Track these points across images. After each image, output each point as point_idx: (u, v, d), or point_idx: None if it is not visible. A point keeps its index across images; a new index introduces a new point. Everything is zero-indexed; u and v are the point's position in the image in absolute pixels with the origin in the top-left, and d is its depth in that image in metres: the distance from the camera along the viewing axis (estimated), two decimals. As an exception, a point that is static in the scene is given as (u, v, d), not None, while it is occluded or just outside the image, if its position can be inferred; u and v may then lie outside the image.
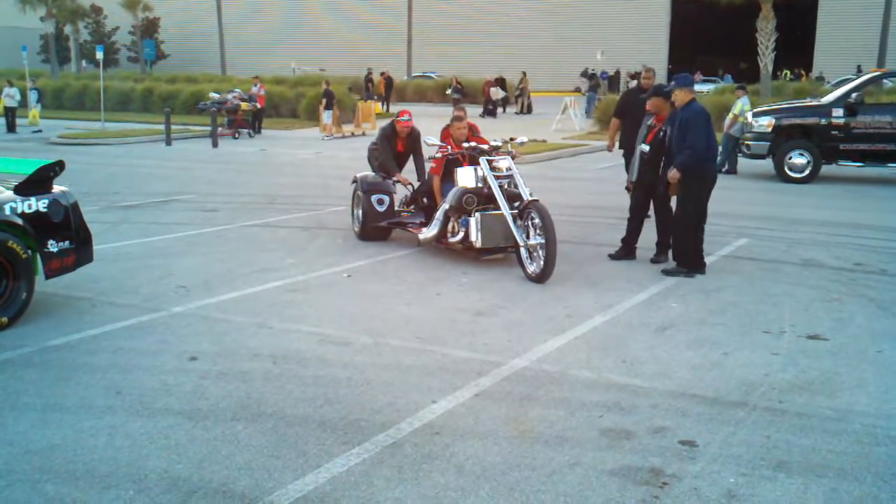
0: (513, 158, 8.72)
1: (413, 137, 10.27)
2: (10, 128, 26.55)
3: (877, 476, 4.03)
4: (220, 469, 4.01)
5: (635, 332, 6.31)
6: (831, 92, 19.16)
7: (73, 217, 6.77)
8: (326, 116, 26.02)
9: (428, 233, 8.96)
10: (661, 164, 8.42)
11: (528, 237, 7.93)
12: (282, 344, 5.92)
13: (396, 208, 9.94)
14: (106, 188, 14.29)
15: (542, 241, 7.72)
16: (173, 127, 24.59)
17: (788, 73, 52.80)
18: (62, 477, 3.92)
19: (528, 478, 3.96)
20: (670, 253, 8.55)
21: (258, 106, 27.31)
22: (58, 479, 3.90)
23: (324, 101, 26.16)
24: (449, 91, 38.86)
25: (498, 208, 8.20)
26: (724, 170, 16.20)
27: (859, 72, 26.26)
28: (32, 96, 27.95)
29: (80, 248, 6.83)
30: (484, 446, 4.29)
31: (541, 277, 7.73)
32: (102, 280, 7.68)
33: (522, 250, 7.96)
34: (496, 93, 36.76)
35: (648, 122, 8.79)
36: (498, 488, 3.86)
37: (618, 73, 56.85)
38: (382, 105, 36.53)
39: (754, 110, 17.27)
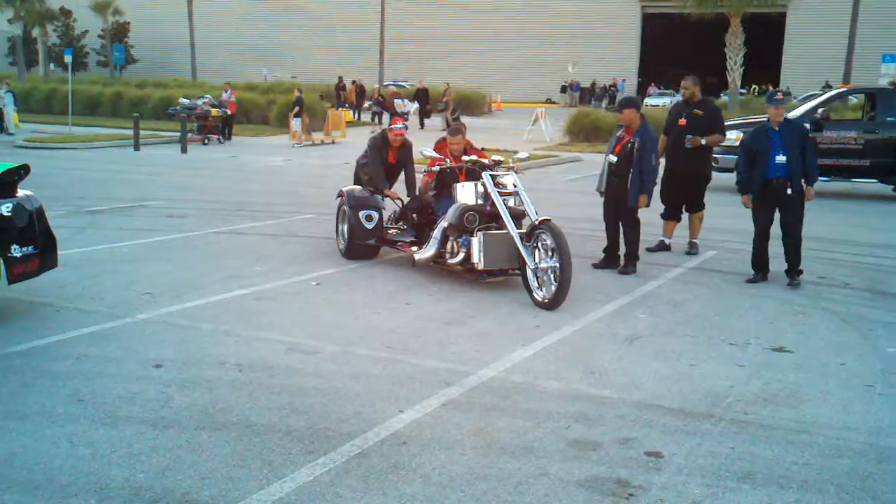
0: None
1: (406, 148, 9.70)
2: None
3: (839, 487, 4.07)
4: (184, 478, 3.96)
5: (603, 343, 6.33)
6: (798, 107, 19.42)
7: (38, 221, 6.67)
8: (296, 124, 25.94)
9: (424, 253, 8.34)
10: (629, 176, 8.51)
11: (536, 259, 7.47)
12: (248, 352, 5.87)
13: (385, 225, 9.39)
14: (72, 193, 14.12)
15: (556, 264, 7.19)
16: (142, 132, 24.36)
17: (756, 87, 53.45)
18: (21, 486, 3.86)
19: (495, 488, 3.95)
20: (637, 264, 8.68)
21: (228, 112, 27.17)
22: (16, 489, 3.83)
23: (295, 108, 26.09)
24: (368, 104, 35.07)
25: (501, 227, 7.78)
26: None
27: (828, 87, 26.61)
28: (7, 99, 27.58)
29: (45, 253, 6.73)
30: (451, 456, 4.28)
31: (552, 304, 7.18)
32: (67, 286, 7.59)
33: (530, 273, 7.44)
34: (401, 104, 33.31)
35: (617, 134, 8.90)
36: (464, 499, 3.85)
37: (593, 85, 57.31)
38: (354, 113, 36.46)
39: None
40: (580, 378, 5.54)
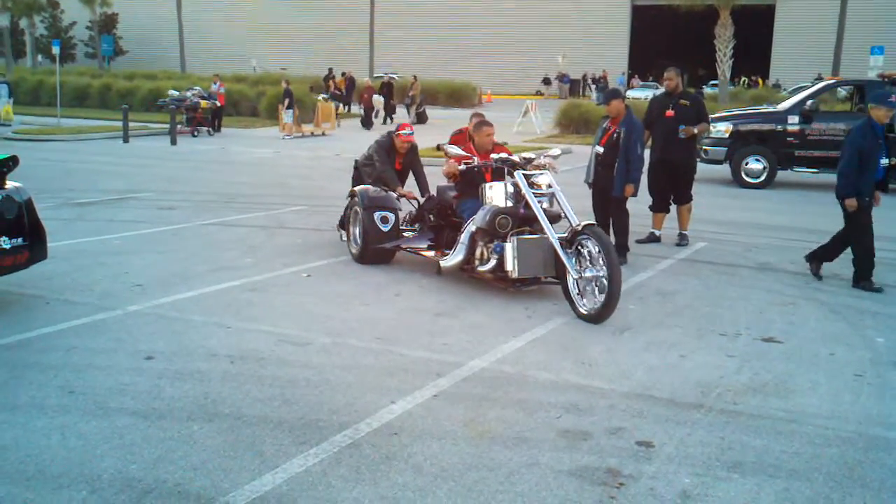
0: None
1: (413, 152, 9.29)
2: None
3: (828, 476, 4.10)
4: (176, 469, 3.96)
5: (594, 334, 6.35)
6: (787, 99, 19.48)
7: (27, 213, 6.65)
8: (287, 116, 25.88)
9: (451, 259, 7.63)
10: (615, 166, 8.56)
11: (579, 268, 6.82)
12: (239, 344, 5.87)
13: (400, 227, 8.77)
14: (61, 185, 14.06)
15: (603, 273, 6.52)
16: (131, 124, 24.27)
17: (746, 79, 53.57)
18: (12, 478, 3.85)
19: (486, 478, 3.97)
20: (627, 256, 8.71)
21: (218, 104, 27.07)
22: (8, 481, 3.82)
23: (286, 100, 26.04)
24: (321, 97, 30.27)
25: (535, 232, 7.22)
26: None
27: (819, 80, 26.69)
28: (3, 90, 27.40)
29: (34, 244, 6.71)
30: (442, 447, 4.29)
31: (600, 316, 6.54)
32: (57, 277, 7.56)
33: (572, 283, 6.82)
34: (378, 101, 32.00)
35: (603, 126, 8.94)
36: (456, 489, 3.86)
37: (584, 77, 57.36)
38: (344, 106, 36.37)
39: (712, 116, 17.48)
40: (571, 369, 5.56)
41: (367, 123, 30.16)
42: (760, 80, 54.48)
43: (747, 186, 16.10)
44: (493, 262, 7.24)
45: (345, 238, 9.10)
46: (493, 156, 7.86)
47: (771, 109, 17.86)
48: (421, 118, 31.85)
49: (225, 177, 16.02)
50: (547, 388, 5.18)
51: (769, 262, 9.13)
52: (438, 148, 8.47)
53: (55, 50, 28.70)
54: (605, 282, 6.48)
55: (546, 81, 58.10)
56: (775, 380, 5.45)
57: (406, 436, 4.41)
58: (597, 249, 6.64)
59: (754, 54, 53.89)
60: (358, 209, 8.65)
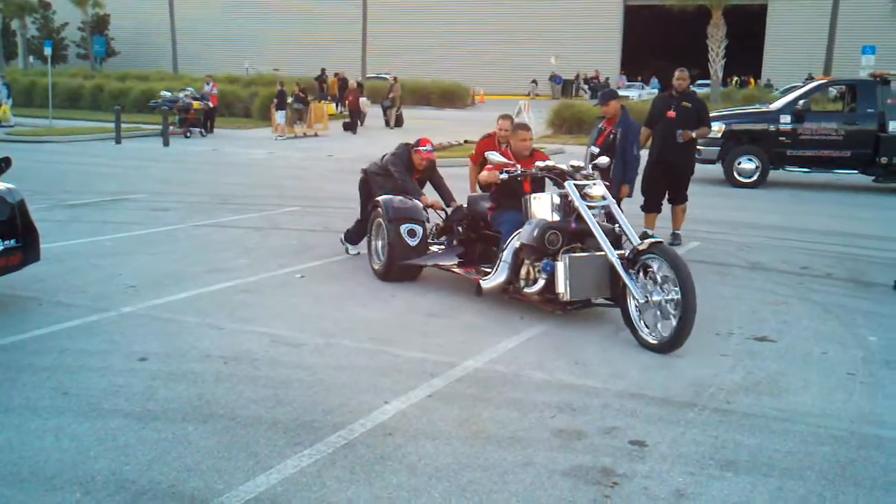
0: None
1: (430, 168, 8.55)
2: None
3: (820, 474, 4.12)
4: (170, 470, 3.95)
5: (587, 334, 6.36)
6: (779, 99, 19.54)
7: (20, 215, 6.64)
8: (280, 116, 25.86)
9: (493, 280, 6.90)
10: (611, 167, 8.56)
11: (646, 291, 6.08)
12: (233, 345, 5.86)
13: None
14: (54, 186, 14.04)
15: (675, 298, 5.82)
16: (124, 125, 24.25)
17: (738, 79, 53.70)
18: (6, 479, 3.84)
19: (481, 478, 3.97)
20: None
21: (210, 105, 27.06)
22: (2, 482, 3.81)
23: (275, 101, 26.01)
24: (289, 101, 27.53)
25: (586, 249, 6.54)
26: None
27: (810, 79, 26.80)
28: (2, 91, 27.31)
29: (27, 246, 6.70)
30: (436, 447, 4.30)
31: (672, 346, 5.83)
32: (50, 279, 7.55)
33: (634, 308, 6.11)
34: (365, 104, 30.58)
35: (599, 126, 8.95)
36: (450, 488, 3.87)
37: (577, 77, 57.46)
38: (336, 106, 36.35)
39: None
40: (565, 368, 5.57)
41: (352, 128, 28.81)
42: (752, 80, 54.59)
43: (740, 186, 16.15)
44: (541, 283, 6.52)
45: (353, 251, 8.84)
46: (539, 163, 7.09)
47: (763, 109, 17.91)
48: (399, 121, 30.72)
49: (218, 178, 16.01)
50: (541, 388, 5.19)
51: (761, 261, 9.15)
52: (466, 143, 7.98)
53: (47, 51, 28.70)
54: (676, 307, 5.80)
55: (534, 82, 58.11)
56: (768, 379, 5.47)
57: (400, 436, 4.42)
58: (665, 271, 5.95)
59: (746, 54, 53.98)
60: (382, 221, 7.97)
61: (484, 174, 7.40)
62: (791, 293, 7.80)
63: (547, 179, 7.24)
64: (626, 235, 6.52)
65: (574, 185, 6.65)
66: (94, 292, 7.21)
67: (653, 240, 6.20)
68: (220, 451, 4.17)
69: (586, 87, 56.83)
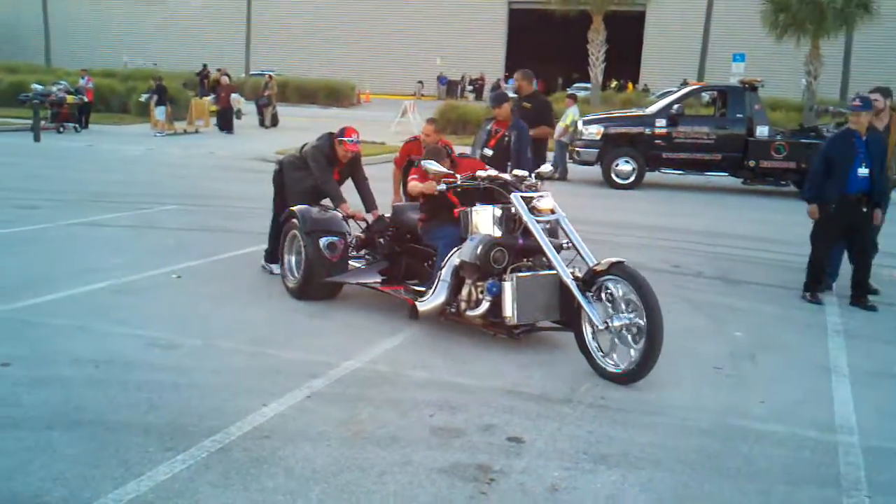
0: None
1: (354, 161, 7.83)
2: None
3: (688, 465, 4.28)
4: (33, 480, 3.79)
5: (468, 333, 6.41)
6: (655, 103, 20.20)
7: None
8: (159, 112, 25.13)
9: (430, 302, 6.28)
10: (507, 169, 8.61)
11: (603, 315, 5.55)
12: (105, 348, 5.66)
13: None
14: (-89, 182, 13.25)
15: (639, 321, 5.32)
16: (-10, 119, 23.09)
17: (617, 83, 55.19)
18: None
19: (359, 478, 3.96)
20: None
21: (85, 99, 26.04)
22: None
23: (154, 96, 25.26)
24: (144, 97, 26.58)
25: (535, 267, 6.07)
26: (556, 176, 16.80)
27: (684, 84, 27.79)
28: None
29: None
30: (315, 448, 4.26)
31: (638, 375, 5.34)
32: None
33: (590, 335, 5.66)
34: (237, 100, 28.29)
35: (488, 128, 8.99)
36: (328, 490, 3.84)
37: (463, 78, 57.93)
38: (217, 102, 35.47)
39: (584, 118, 17.96)
40: (445, 367, 5.61)
41: (226, 127, 26.73)
42: (630, 85, 56.20)
43: (617, 187, 16.62)
44: (485, 306, 5.98)
45: (276, 271, 7.89)
46: (480, 173, 6.44)
47: (640, 113, 18.48)
48: (274, 121, 29.62)
49: (92, 175, 15.42)
50: (421, 387, 5.21)
51: (636, 260, 9.39)
52: (414, 164, 7.16)
53: None
54: (639, 333, 5.33)
55: (420, 82, 58.37)
56: (641, 374, 5.64)
57: (278, 438, 4.36)
58: (625, 293, 5.44)
59: (625, 59, 55.54)
60: (297, 233, 7.25)
61: (419, 185, 6.74)
62: (663, 291, 7.99)
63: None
64: (580, 254, 5.98)
65: (520, 196, 6.09)
66: (-46, 294, 6.85)
67: (613, 259, 5.63)
68: (88, 459, 4.02)
69: (471, 87, 57.39)
